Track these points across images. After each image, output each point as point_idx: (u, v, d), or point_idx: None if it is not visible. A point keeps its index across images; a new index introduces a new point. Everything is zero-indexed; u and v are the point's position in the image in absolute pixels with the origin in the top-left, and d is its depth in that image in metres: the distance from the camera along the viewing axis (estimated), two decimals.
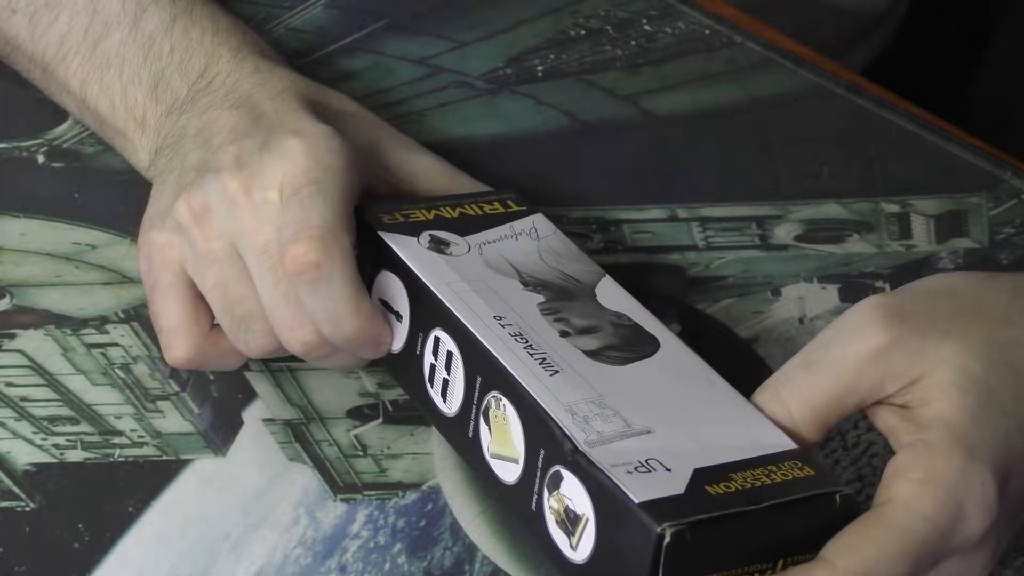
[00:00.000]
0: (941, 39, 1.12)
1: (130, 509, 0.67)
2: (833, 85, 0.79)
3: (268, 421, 0.70)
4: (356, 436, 0.70)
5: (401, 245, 0.65)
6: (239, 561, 0.66)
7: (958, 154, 0.77)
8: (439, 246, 0.65)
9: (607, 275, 0.66)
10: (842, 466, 0.69)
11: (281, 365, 0.71)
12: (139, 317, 0.71)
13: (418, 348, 0.64)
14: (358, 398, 0.70)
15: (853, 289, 0.74)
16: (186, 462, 0.68)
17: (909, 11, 1.07)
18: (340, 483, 0.69)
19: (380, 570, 0.66)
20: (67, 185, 0.74)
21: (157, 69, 0.70)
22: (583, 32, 0.80)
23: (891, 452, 0.58)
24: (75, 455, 0.68)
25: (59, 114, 0.74)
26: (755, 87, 0.79)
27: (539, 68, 0.79)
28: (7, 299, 0.71)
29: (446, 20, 0.80)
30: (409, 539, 0.67)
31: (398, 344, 0.65)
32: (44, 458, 0.68)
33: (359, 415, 0.70)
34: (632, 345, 0.62)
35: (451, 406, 0.63)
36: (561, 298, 0.64)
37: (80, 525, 0.66)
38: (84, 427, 0.69)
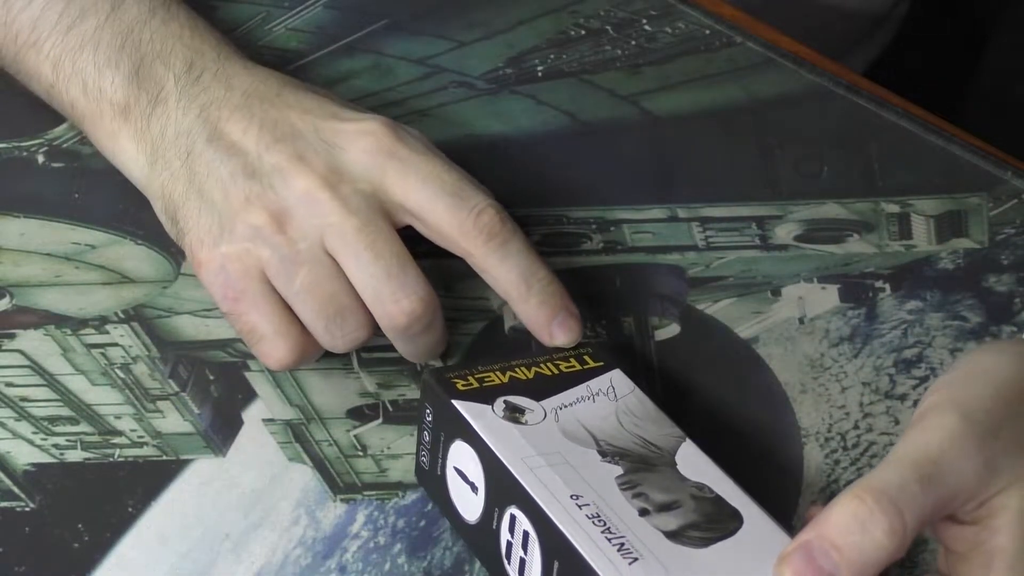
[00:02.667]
0: (941, 39, 1.12)
1: (130, 509, 0.67)
2: (833, 85, 0.79)
3: (268, 421, 0.70)
4: (356, 436, 0.70)
5: (475, 415, 0.62)
6: (239, 561, 0.66)
7: (958, 154, 0.77)
8: (514, 414, 0.63)
9: (687, 438, 0.64)
10: (842, 466, 0.69)
11: None
12: (139, 317, 0.71)
13: (494, 523, 0.62)
14: (358, 398, 0.70)
15: (853, 289, 0.74)
16: (186, 462, 0.68)
17: (909, 11, 1.07)
18: (340, 483, 0.69)
19: (380, 570, 0.66)
20: (67, 185, 0.74)
21: (137, 56, 0.69)
22: (583, 32, 0.80)
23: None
24: (75, 455, 0.68)
25: (59, 114, 0.74)
26: (755, 87, 0.79)
27: (539, 68, 0.79)
28: (7, 299, 0.71)
29: (446, 20, 0.79)
30: (409, 539, 0.67)
31: (474, 516, 0.63)
32: (44, 458, 0.68)
33: (359, 415, 0.70)
34: (714, 522, 0.60)
35: None
36: (641, 469, 0.62)
37: (80, 525, 0.66)
38: (84, 427, 0.69)
